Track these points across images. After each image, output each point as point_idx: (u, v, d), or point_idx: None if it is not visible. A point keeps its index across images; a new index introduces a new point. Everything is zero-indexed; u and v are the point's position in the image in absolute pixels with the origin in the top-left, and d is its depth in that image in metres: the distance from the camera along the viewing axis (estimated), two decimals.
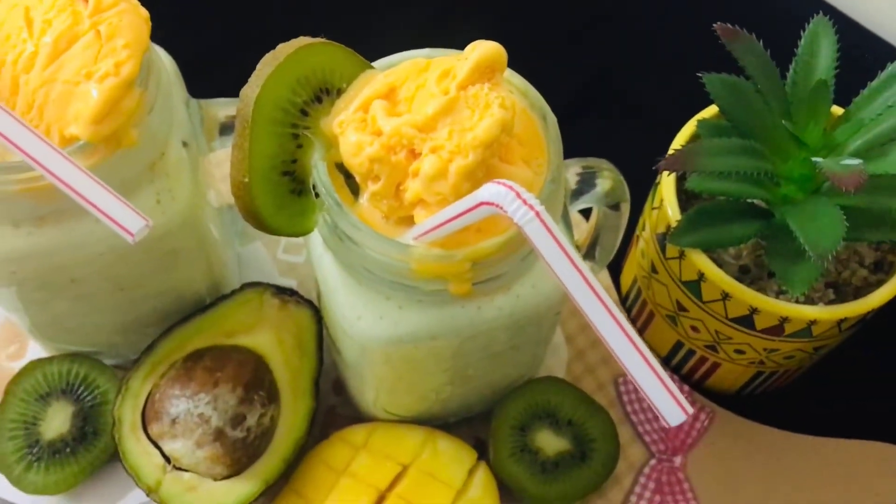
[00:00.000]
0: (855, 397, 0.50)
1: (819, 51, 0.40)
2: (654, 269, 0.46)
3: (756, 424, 0.48)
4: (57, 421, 0.44)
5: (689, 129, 0.44)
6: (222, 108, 0.41)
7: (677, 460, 0.47)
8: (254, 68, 0.32)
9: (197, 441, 0.41)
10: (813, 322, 0.40)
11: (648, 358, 0.24)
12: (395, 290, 0.34)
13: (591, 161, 0.39)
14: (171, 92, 0.38)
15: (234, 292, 0.45)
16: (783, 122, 0.37)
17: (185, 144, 0.38)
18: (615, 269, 0.53)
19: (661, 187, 0.43)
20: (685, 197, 0.44)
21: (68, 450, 0.44)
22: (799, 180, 0.40)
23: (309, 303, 0.45)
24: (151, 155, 0.37)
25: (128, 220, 0.28)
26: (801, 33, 0.40)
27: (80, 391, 0.45)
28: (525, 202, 0.25)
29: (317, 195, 0.33)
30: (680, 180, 0.43)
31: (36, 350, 0.48)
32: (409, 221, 0.33)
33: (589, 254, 0.46)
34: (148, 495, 0.42)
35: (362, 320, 0.35)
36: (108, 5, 0.34)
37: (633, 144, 0.45)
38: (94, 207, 0.28)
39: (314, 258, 0.37)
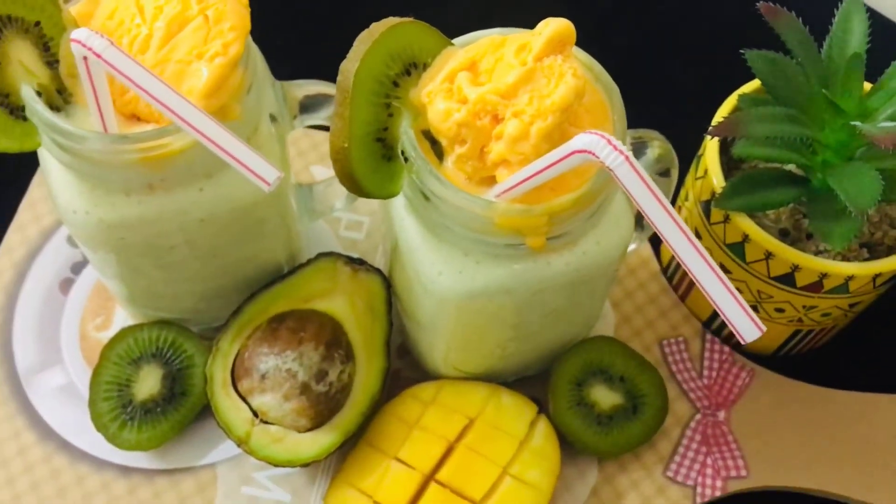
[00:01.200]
0: (886, 356, 0.54)
1: (852, 27, 0.43)
2: (697, 236, 0.49)
3: (794, 381, 0.52)
4: (148, 383, 0.48)
5: (730, 103, 0.47)
6: (300, 88, 0.44)
7: (721, 415, 0.51)
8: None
9: (285, 394, 0.44)
10: (850, 277, 0.44)
11: (726, 282, 0.28)
12: (473, 247, 0.38)
13: (642, 132, 0.43)
14: (262, 73, 0.41)
15: (309, 261, 0.48)
16: (822, 90, 0.41)
17: (273, 119, 0.42)
18: (655, 242, 0.57)
19: (704, 157, 0.47)
20: (726, 168, 0.47)
21: (159, 409, 0.48)
22: (836, 147, 0.43)
23: (377, 271, 0.48)
24: (248, 129, 0.40)
25: (264, 170, 0.32)
26: (834, 11, 0.44)
27: (168, 355, 0.48)
28: (615, 148, 0.28)
29: (405, 159, 0.37)
30: (721, 152, 0.47)
31: (121, 321, 0.52)
32: (488, 182, 0.36)
33: (637, 223, 0.49)
34: (239, 446, 0.45)
35: (443, 276, 0.39)
36: None
37: (669, 122, 0.48)
38: (236, 161, 0.32)
39: (395, 221, 0.40)
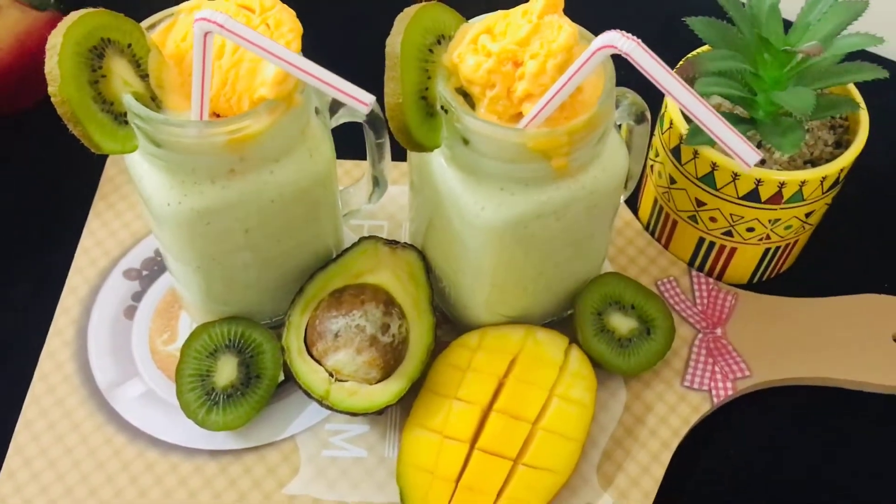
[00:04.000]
0: (836, 271, 0.64)
1: None
2: (672, 181, 0.59)
3: (772, 296, 0.61)
4: (226, 371, 0.54)
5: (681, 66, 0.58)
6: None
7: (718, 331, 0.59)
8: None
9: (357, 348, 0.51)
10: (803, 183, 0.54)
11: (725, 122, 0.37)
12: (507, 181, 0.46)
13: (617, 90, 0.53)
14: None
15: (353, 245, 0.56)
16: (755, 30, 0.52)
17: (317, 111, 0.50)
18: (633, 207, 0.66)
19: (668, 111, 0.57)
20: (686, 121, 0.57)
21: (239, 393, 0.53)
22: (771, 82, 0.54)
23: (412, 246, 0.56)
24: (305, 116, 0.48)
25: (360, 94, 0.40)
26: None
27: (240, 345, 0.55)
28: (628, 38, 0.38)
29: (445, 111, 0.46)
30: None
31: (185, 333, 0.58)
32: (515, 120, 0.45)
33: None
34: (320, 404, 0.51)
35: (485, 210, 0.47)
36: (269, 6, 0.46)
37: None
38: (336, 89, 0.40)
39: (437, 176, 0.49)
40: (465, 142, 0.46)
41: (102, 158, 0.67)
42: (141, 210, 0.55)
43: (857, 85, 0.57)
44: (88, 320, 0.59)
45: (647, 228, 0.65)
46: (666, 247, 0.63)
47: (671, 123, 0.57)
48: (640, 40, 0.37)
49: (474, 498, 0.50)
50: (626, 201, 0.65)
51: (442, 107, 0.46)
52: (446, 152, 0.48)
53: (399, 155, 0.58)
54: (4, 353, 0.58)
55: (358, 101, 0.40)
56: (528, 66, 0.44)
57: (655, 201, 0.62)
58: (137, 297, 0.60)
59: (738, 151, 0.37)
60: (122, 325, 0.59)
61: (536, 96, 0.44)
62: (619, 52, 0.38)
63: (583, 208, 0.49)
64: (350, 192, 0.59)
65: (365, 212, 0.61)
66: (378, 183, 0.59)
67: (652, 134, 0.60)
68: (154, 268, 0.61)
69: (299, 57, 0.41)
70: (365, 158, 0.58)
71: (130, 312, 0.59)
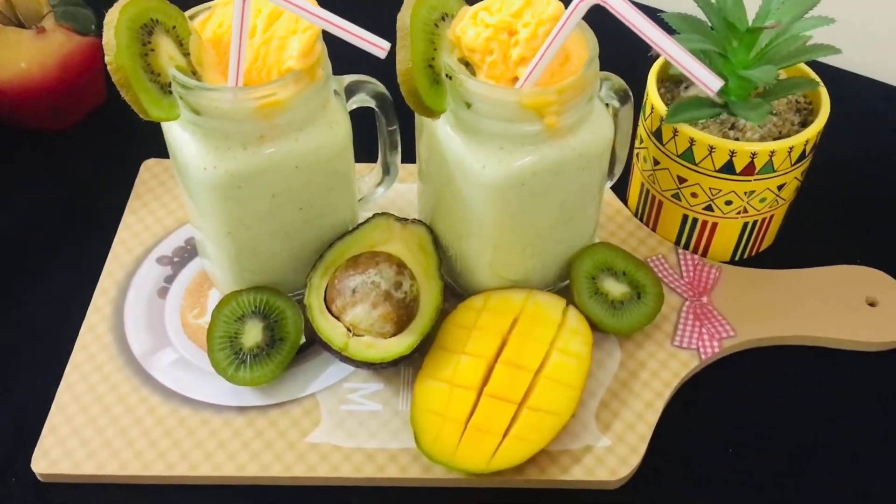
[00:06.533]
0: (816, 249, 0.69)
1: None
2: (655, 163, 0.65)
3: (753, 269, 0.66)
4: (252, 334, 0.59)
5: (660, 61, 0.64)
6: (345, 79, 0.59)
7: (704, 299, 0.64)
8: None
9: (373, 302, 0.56)
10: (773, 153, 0.60)
11: (692, 56, 0.43)
12: (506, 140, 0.52)
13: (602, 73, 0.59)
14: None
15: (367, 220, 0.61)
16: (723, 17, 0.58)
17: (336, 93, 0.57)
18: (622, 196, 0.72)
19: (649, 98, 0.63)
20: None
21: (264, 353, 0.58)
22: (740, 66, 0.60)
23: (421, 222, 0.62)
24: (324, 94, 0.55)
25: (376, 39, 0.46)
26: None
27: (265, 311, 0.60)
28: None
29: (449, 78, 0.52)
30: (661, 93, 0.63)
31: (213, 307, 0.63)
32: (511, 84, 0.52)
33: (609, 170, 0.64)
34: (340, 357, 0.56)
35: (486, 168, 0.53)
36: None
37: None
38: (353, 35, 0.46)
39: (444, 142, 0.55)
40: (468, 105, 0.52)
41: (136, 165, 0.73)
42: (177, 183, 0.60)
43: (823, 80, 0.64)
44: (125, 300, 0.64)
45: (636, 215, 0.70)
46: (653, 230, 0.69)
47: (652, 108, 0.63)
48: None
49: (482, 437, 0.54)
50: (616, 191, 0.71)
51: (447, 74, 0.52)
52: (451, 119, 0.54)
53: (406, 157, 0.64)
54: (47, 331, 0.63)
55: (375, 46, 0.47)
56: (521, 33, 0.50)
57: (642, 186, 0.68)
58: (169, 279, 0.65)
59: (702, 79, 0.43)
60: (156, 303, 0.64)
61: (529, 59, 0.50)
62: (598, 1, 0.44)
63: (574, 169, 0.55)
64: (363, 181, 0.65)
65: (374, 206, 0.67)
66: (388, 171, 0.65)
67: (636, 125, 0.67)
68: (185, 255, 0.67)
69: (324, 10, 0.48)
70: (373, 161, 0.64)
71: (163, 292, 0.65)
